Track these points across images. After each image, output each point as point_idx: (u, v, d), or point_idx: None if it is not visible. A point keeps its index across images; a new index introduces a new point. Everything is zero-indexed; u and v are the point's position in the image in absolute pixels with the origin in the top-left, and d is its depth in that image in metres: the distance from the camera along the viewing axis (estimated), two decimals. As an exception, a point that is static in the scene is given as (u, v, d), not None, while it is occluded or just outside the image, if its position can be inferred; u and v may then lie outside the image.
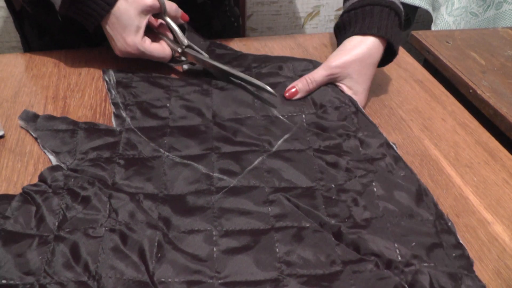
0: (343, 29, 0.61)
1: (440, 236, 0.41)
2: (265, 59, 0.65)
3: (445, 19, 1.20)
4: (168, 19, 0.61)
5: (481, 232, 0.44)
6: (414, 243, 0.40)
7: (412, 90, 0.65)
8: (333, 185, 0.46)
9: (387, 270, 0.38)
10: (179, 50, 0.61)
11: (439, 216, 0.43)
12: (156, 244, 0.39)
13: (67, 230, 0.40)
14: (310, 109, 0.55)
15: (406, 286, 0.37)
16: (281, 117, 0.54)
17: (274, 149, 0.50)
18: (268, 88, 0.55)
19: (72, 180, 0.44)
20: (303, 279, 0.37)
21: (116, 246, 0.39)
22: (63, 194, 0.43)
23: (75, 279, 0.37)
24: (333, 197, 0.44)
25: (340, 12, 1.42)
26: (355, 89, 0.57)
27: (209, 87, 0.59)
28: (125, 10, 0.56)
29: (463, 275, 0.38)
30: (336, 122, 0.53)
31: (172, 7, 0.61)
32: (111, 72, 0.61)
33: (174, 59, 0.63)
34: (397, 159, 0.49)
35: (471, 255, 0.40)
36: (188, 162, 0.48)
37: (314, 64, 0.63)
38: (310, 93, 0.57)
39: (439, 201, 0.47)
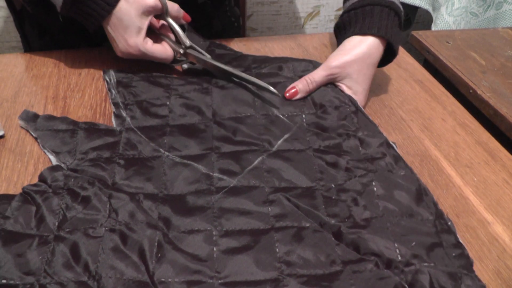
0: (343, 29, 0.61)
1: (440, 236, 0.41)
2: (264, 60, 0.65)
3: (445, 19, 1.20)
4: (170, 20, 0.60)
5: (481, 232, 0.44)
6: (414, 243, 0.40)
7: (412, 90, 0.65)
8: (333, 185, 0.46)
9: (387, 270, 0.38)
10: (181, 51, 0.61)
11: (439, 215, 0.43)
12: (156, 244, 0.39)
13: (67, 230, 0.40)
14: (310, 109, 0.55)
15: (406, 285, 0.37)
16: (281, 116, 0.54)
17: (274, 149, 0.50)
18: (272, 88, 0.55)
19: (72, 180, 0.44)
20: (303, 279, 0.37)
21: (116, 246, 0.39)
22: (63, 194, 0.43)
23: (75, 279, 0.37)
24: (333, 197, 0.44)
25: (340, 12, 1.42)
26: (355, 89, 0.57)
27: (209, 85, 0.59)
28: (126, 10, 0.56)
29: (462, 275, 0.38)
30: (336, 121, 0.53)
31: (174, 7, 0.61)
32: (112, 72, 0.61)
33: (175, 59, 0.63)
34: (397, 158, 0.49)
35: (471, 255, 0.40)
36: (188, 162, 0.48)
37: (314, 65, 0.63)
38: (310, 93, 0.57)
39: (439, 201, 0.47)
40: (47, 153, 0.49)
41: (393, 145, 0.51)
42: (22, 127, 0.53)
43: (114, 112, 0.55)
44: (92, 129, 0.51)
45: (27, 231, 0.40)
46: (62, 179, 0.45)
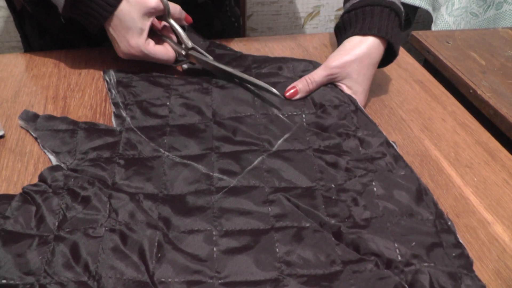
0: (343, 30, 0.61)
1: (440, 236, 0.41)
2: (264, 60, 0.65)
3: (445, 19, 1.20)
4: (172, 21, 0.60)
5: (481, 233, 0.44)
6: (414, 243, 0.40)
7: (412, 90, 0.65)
8: (333, 185, 0.46)
9: (387, 270, 0.38)
10: (183, 52, 0.61)
11: (439, 215, 0.43)
12: (156, 244, 0.39)
13: (67, 230, 0.40)
14: (310, 109, 0.55)
15: (406, 285, 0.37)
16: (281, 116, 0.54)
17: (274, 148, 0.50)
18: (272, 89, 0.55)
19: (72, 180, 0.44)
20: (303, 279, 0.37)
21: (116, 246, 0.39)
22: (63, 194, 0.43)
23: (75, 279, 0.37)
24: (333, 197, 0.44)
25: (341, 12, 1.43)
26: (354, 89, 0.57)
27: (209, 85, 0.59)
28: (128, 12, 0.56)
29: (462, 275, 0.38)
30: (336, 121, 0.53)
31: (176, 9, 0.61)
32: (112, 72, 0.61)
33: (176, 60, 0.63)
34: (397, 158, 0.49)
35: (471, 255, 0.40)
36: (188, 162, 0.48)
37: (314, 65, 0.63)
38: (310, 93, 0.57)
39: (439, 201, 0.47)
40: (47, 153, 0.49)
41: (393, 144, 0.51)
42: (22, 127, 0.53)
43: (114, 112, 0.55)
44: (92, 129, 0.51)
45: (27, 231, 0.40)
46: (62, 179, 0.45)
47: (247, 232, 0.41)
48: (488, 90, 0.70)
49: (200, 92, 0.58)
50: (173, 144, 0.50)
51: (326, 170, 0.47)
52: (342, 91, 0.57)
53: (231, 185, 0.45)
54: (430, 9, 1.26)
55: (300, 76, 0.59)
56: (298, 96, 0.57)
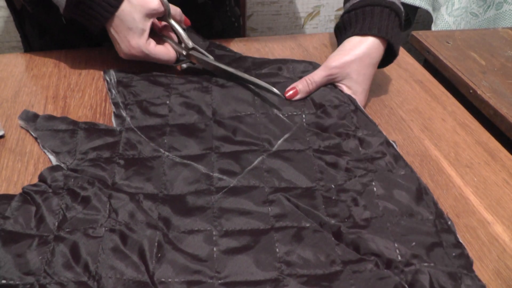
0: (343, 30, 0.61)
1: (440, 235, 0.41)
2: (264, 62, 0.65)
3: (445, 19, 1.20)
4: (173, 22, 0.60)
5: (481, 233, 0.44)
6: (414, 243, 0.40)
7: (412, 90, 0.65)
8: (333, 185, 0.46)
9: (387, 270, 0.38)
10: (184, 52, 0.61)
11: (439, 215, 0.43)
12: (156, 244, 0.39)
13: (67, 230, 0.40)
14: (310, 109, 0.55)
15: (406, 285, 0.37)
16: (281, 115, 0.54)
17: (274, 148, 0.50)
18: (274, 89, 0.55)
19: (72, 180, 0.44)
20: (303, 279, 0.37)
21: (116, 246, 0.39)
22: (63, 194, 0.43)
23: (75, 279, 0.37)
24: (333, 197, 0.44)
25: (341, 12, 1.43)
26: (354, 89, 0.57)
27: (209, 84, 0.59)
28: (129, 12, 0.56)
29: (462, 275, 0.38)
30: (336, 121, 0.53)
31: (176, 11, 0.61)
32: (112, 72, 0.61)
33: (177, 60, 0.63)
34: (397, 157, 0.49)
35: (471, 255, 0.40)
36: (188, 162, 0.48)
37: (313, 66, 0.63)
38: (310, 93, 0.57)
39: (439, 201, 0.46)
40: (47, 153, 0.49)
41: (393, 143, 0.51)
42: (22, 127, 0.53)
43: (114, 112, 0.55)
44: (92, 129, 0.51)
45: (27, 231, 0.40)
46: (62, 179, 0.45)
47: (247, 232, 0.41)
48: (488, 90, 0.70)
49: (200, 91, 0.58)
50: (173, 144, 0.50)
51: (326, 170, 0.47)
52: (342, 91, 0.57)
53: (231, 185, 0.45)
54: (430, 9, 1.26)
55: (300, 77, 0.59)
56: (298, 97, 0.57)
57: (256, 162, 0.48)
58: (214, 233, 0.41)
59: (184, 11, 0.64)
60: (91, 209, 0.42)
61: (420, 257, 0.39)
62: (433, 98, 0.63)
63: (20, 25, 0.76)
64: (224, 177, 0.46)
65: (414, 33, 0.86)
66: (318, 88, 0.58)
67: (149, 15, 0.57)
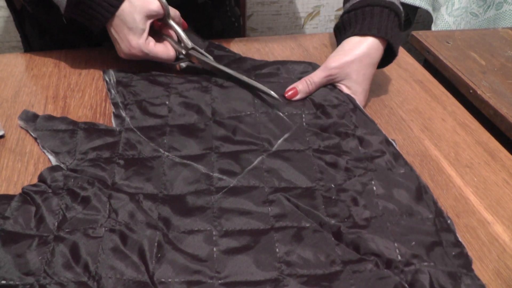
0: (343, 30, 0.61)
1: (439, 235, 0.41)
2: (263, 65, 0.65)
3: (445, 19, 1.20)
4: (172, 22, 0.60)
5: (481, 233, 0.44)
6: (414, 242, 0.40)
7: (412, 90, 0.65)
8: (332, 185, 0.46)
9: (387, 269, 0.38)
10: (183, 51, 0.61)
11: (439, 213, 0.43)
12: (156, 244, 0.39)
13: (67, 230, 0.40)
14: (310, 109, 0.55)
15: (406, 285, 0.37)
16: (281, 114, 0.54)
17: (273, 148, 0.50)
18: (273, 93, 0.55)
19: (72, 180, 0.44)
20: (303, 279, 0.37)
21: (116, 246, 0.39)
22: (63, 195, 0.43)
23: (75, 279, 0.37)
24: (333, 197, 0.44)
25: (341, 12, 1.43)
26: (354, 89, 0.57)
27: (208, 84, 0.59)
28: (129, 12, 0.56)
29: (462, 274, 0.38)
30: (335, 120, 0.53)
31: (175, 13, 0.61)
32: (111, 72, 0.61)
33: (176, 58, 0.63)
34: (397, 156, 0.49)
35: (471, 256, 0.40)
36: (188, 162, 0.48)
37: (313, 66, 0.63)
38: (310, 94, 0.57)
39: (439, 201, 0.46)
40: (47, 153, 0.49)
41: (393, 142, 0.51)
42: (21, 127, 0.53)
43: (113, 112, 0.55)
44: (91, 129, 0.51)
45: (27, 231, 0.40)
46: (62, 179, 0.45)
47: (247, 232, 0.41)
48: (488, 90, 0.70)
49: (199, 91, 0.58)
50: (172, 144, 0.50)
51: (326, 170, 0.47)
52: (341, 91, 0.57)
53: (231, 185, 0.45)
54: (430, 9, 1.26)
55: (299, 78, 0.59)
56: (298, 97, 0.57)
57: (256, 162, 0.48)
58: (214, 233, 0.41)
59: (184, 11, 0.64)
60: (91, 209, 0.42)
61: (420, 256, 0.39)
62: (433, 98, 0.63)
63: (20, 25, 0.76)
64: (224, 177, 0.46)
65: (414, 33, 0.86)
66: (318, 88, 0.58)
67: (149, 16, 0.57)
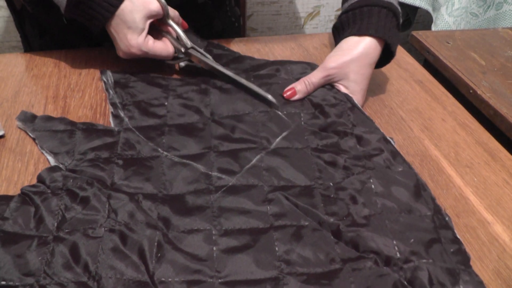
0: (341, 30, 0.61)
1: (438, 232, 0.41)
2: (262, 65, 0.65)
3: (445, 19, 1.20)
4: (171, 22, 0.61)
5: (481, 233, 0.44)
6: (412, 240, 0.40)
7: (412, 90, 0.65)
8: (331, 184, 0.46)
9: (386, 267, 0.38)
10: (182, 49, 0.61)
11: (437, 211, 0.43)
12: (156, 244, 0.39)
13: (66, 230, 0.40)
14: (309, 109, 0.55)
15: (405, 282, 0.37)
16: (280, 113, 0.54)
17: (272, 146, 0.50)
18: (270, 97, 0.55)
19: (71, 180, 0.44)
20: (303, 278, 0.37)
21: (115, 246, 0.39)
22: (62, 195, 0.43)
23: (75, 279, 0.37)
24: (332, 196, 0.44)
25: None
26: (352, 89, 0.57)
27: (207, 86, 0.59)
28: (130, 12, 0.56)
29: (460, 271, 0.38)
30: (333, 119, 0.53)
31: (175, 13, 0.61)
32: (109, 73, 0.61)
33: (175, 57, 0.63)
34: (395, 154, 0.49)
35: (471, 256, 0.40)
36: (187, 161, 0.48)
37: (311, 66, 0.63)
38: (308, 94, 0.57)
39: (439, 201, 0.46)
40: (46, 154, 0.49)
41: (391, 140, 0.51)
42: (20, 128, 0.53)
43: (112, 112, 0.55)
44: (90, 129, 0.51)
45: (26, 232, 0.40)
46: (61, 179, 0.45)
47: (247, 231, 0.41)
48: (488, 90, 0.70)
49: (198, 93, 0.58)
50: (171, 143, 0.50)
51: (325, 169, 0.47)
52: (339, 91, 0.58)
53: (230, 184, 0.45)
54: (430, 9, 1.26)
55: (298, 79, 0.59)
56: (296, 97, 0.57)
57: (254, 160, 0.48)
58: (213, 232, 0.41)
59: (184, 11, 0.64)
60: (90, 210, 0.42)
61: (419, 253, 0.39)
62: (433, 98, 0.63)
63: (20, 25, 0.76)
64: (223, 176, 0.46)
65: (414, 33, 0.86)
66: (316, 89, 0.58)
67: (149, 16, 0.58)
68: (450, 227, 0.42)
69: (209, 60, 0.60)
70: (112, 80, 0.60)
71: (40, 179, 0.45)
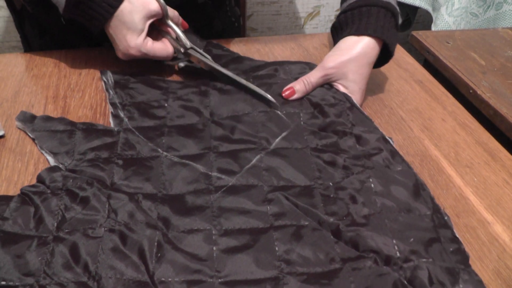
0: (339, 29, 0.61)
1: (437, 231, 0.41)
2: (261, 66, 0.65)
3: (445, 19, 1.20)
4: (171, 23, 0.60)
5: (481, 233, 0.44)
6: (412, 239, 0.40)
7: (412, 90, 0.65)
8: (331, 183, 0.46)
9: (386, 266, 0.38)
10: (182, 50, 0.61)
11: (436, 210, 0.43)
12: (155, 244, 0.39)
13: (66, 230, 0.40)
14: (308, 109, 0.55)
15: (405, 282, 0.37)
16: (279, 113, 0.54)
17: (272, 147, 0.50)
18: (269, 97, 0.55)
19: (71, 180, 0.44)
20: (303, 277, 0.37)
21: (115, 246, 0.39)
22: (62, 195, 0.43)
23: (75, 279, 0.37)
24: (331, 195, 0.44)
25: (340, 12, 1.42)
26: (351, 88, 0.57)
27: (207, 88, 0.59)
28: (129, 13, 0.56)
29: (460, 270, 0.38)
30: (332, 119, 0.53)
31: (174, 13, 0.61)
32: (109, 73, 0.61)
33: (175, 58, 0.63)
34: (394, 153, 0.49)
35: (471, 256, 0.40)
36: (187, 161, 0.48)
37: (310, 66, 0.63)
38: (307, 94, 0.57)
39: (439, 201, 0.46)
40: (45, 154, 0.49)
41: (389, 139, 0.51)
42: (19, 128, 0.53)
43: (112, 113, 0.54)
44: (90, 129, 0.51)
45: (26, 232, 0.40)
46: (61, 180, 0.45)
47: (247, 231, 0.41)
48: (488, 90, 0.70)
49: (198, 95, 0.58)
50: (171, 144, 0.50)
51: (324, 168, 0.47)
52: (338, 90, 0.58)
53: (230, 184, 0.45)
54: (430, 9, 1.26)
55: (296, 78, 0.59)
56: (295, 97, 0.57)
57: (254, 160, 0.48)
58: (213, 232, 0.41)
59: (184, 11, 0.64)
60: (90, 210, 0.42)
61: (419, 253, 0.39)
62: (433, 98, 0.63)
63: (20, 25, 0.76)
64: (223, 176, 0.46)
65: (414, 33, 0.86)
66: (315, 88, 0.58)
67: (149, 16, 0.57)
68: (449, 226, 0.42)
69: (209, 60, 0.60)
70: (112, 80, 0.60)
71: (40, 179, 0.45)
